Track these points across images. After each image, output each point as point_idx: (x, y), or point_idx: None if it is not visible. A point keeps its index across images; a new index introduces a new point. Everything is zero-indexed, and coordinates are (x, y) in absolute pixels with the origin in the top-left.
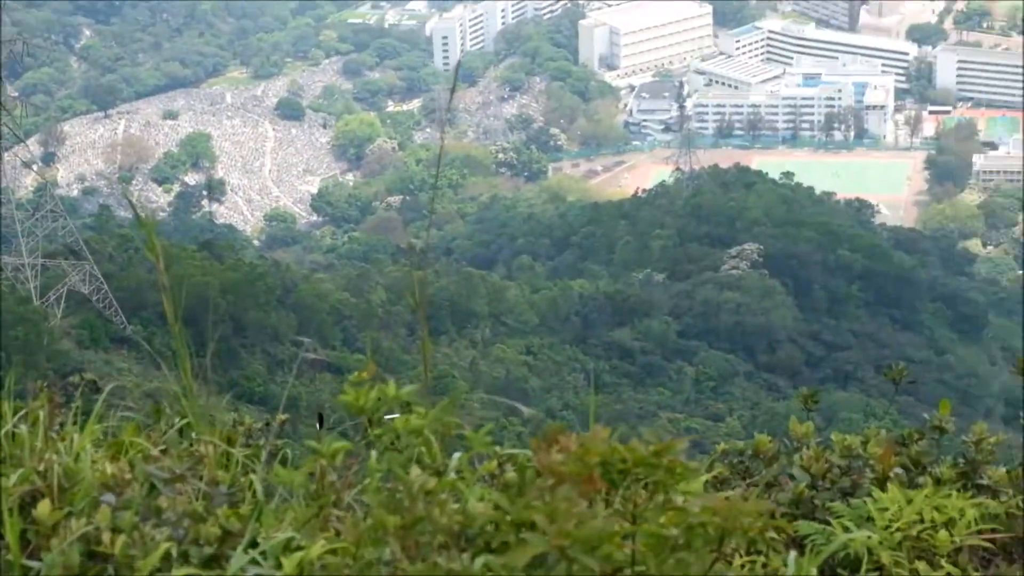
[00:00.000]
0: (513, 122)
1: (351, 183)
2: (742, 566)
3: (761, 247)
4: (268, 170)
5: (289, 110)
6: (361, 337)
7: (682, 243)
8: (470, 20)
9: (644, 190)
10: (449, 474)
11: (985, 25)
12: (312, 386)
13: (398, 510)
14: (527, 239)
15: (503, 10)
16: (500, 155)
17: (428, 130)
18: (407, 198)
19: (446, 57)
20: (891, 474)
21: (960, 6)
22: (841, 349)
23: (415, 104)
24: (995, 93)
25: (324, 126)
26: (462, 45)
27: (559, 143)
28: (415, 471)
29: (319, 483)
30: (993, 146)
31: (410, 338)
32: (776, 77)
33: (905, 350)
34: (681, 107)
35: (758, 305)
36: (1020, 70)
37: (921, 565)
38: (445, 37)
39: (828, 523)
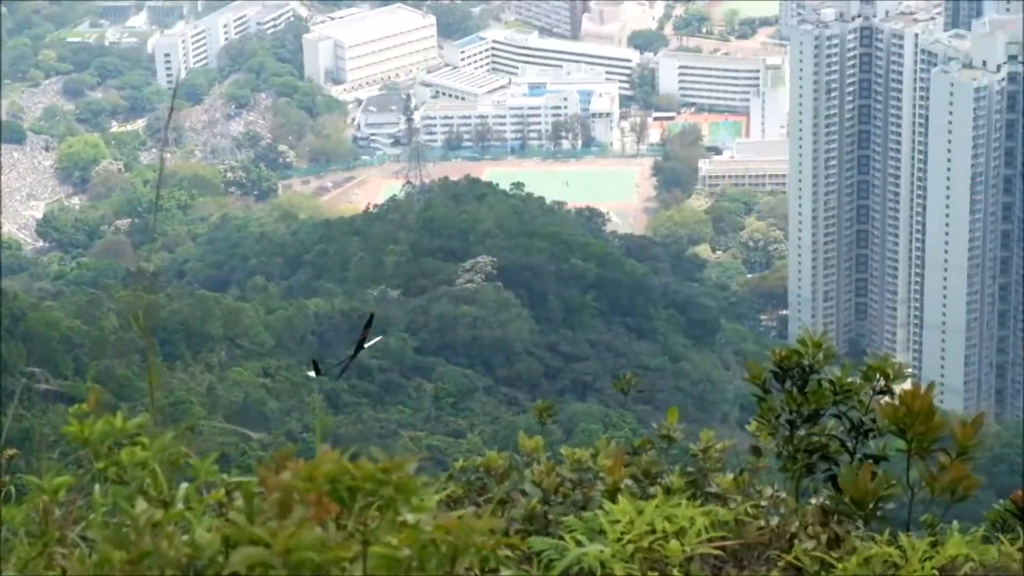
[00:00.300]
0: (241, 140)
1: (77, 207)
2: None
3: (495, 259)
4: None
5: (9, 133)
6: (93, 365)
7: (416, 258)
8: (192, 37)
9: (375, 205)
10: (176, 505)
11: (704, 30)
12: (44, 418)
13: (124, 544)
14: (260, 259)
15: (225, 26)
16: (229, 174)
17: (154, 150)
18: (135, 220)
19: (169, 75)
20: (622, 486)
21: (679, 12)
22: (578, 360)
23: (140, 124)
24: (717, 98)
25: (47, 149)
26: (185, 62)
27: (288, 160)
28: (141, 504)
29: (42, 520)
30: (717, 151)
31: (144, 364)
32: (502, 87)
33: (641, 358)
34: (409, 120)
35: (494, 318)
36: (740, 74)
37: None
38: (167, 54)
39: (562, 538)
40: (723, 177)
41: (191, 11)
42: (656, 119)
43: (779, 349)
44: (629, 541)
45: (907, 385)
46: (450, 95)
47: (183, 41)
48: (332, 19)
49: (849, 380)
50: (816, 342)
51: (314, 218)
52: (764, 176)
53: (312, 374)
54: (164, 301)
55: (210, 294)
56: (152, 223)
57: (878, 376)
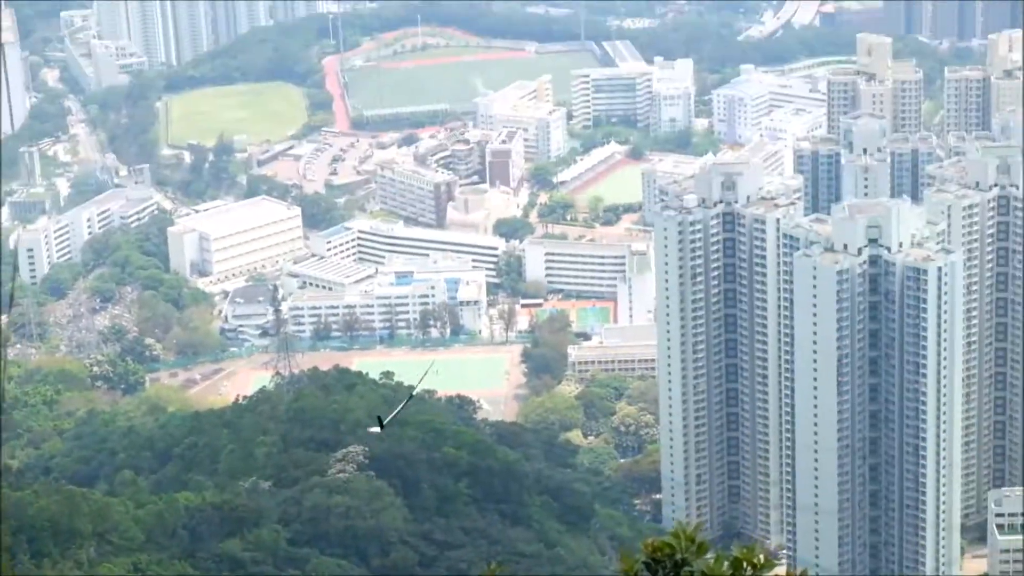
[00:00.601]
0: (106, 334)
1: None
2: None
3: (367, 449)
4: None
5: None
6: None
7: (287, 449)
8: (55, 231)
9: (245, 397)
10: None
11: (569, 217)
12: None
13: None
14: (128, 453)
15: (89, 220)
16: (95, 368)
17: (19, 346)
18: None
19: (32, 269)
20: None
21: (544, 199)
22: (453, 548)
23: (3, 319)
24: (584, 284)
25: None
26: (48, 257)
27: (155, 353)
28: None
29: None
30: (586, 337)
31: (12, 562)
32: (369, 276)
33: (516, 545)
34: (277, 311)
35: (367, 508)
36: (606, 260)
37: None
38: (31, 249)
39: None
40: (593, 363)
41: (53, 206)
42: (524, 306)
43: (652, 541)
44: None
45: (781, 570)
46: (317, 285)
47: (46, 236)
48: (197, 212)
49: (722, 571)
50: (689, 535)
51: (183, 411)
52: (633, 361)
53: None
54: (31, 498)
55: (78, 489)
56: None
57: (746, 567)
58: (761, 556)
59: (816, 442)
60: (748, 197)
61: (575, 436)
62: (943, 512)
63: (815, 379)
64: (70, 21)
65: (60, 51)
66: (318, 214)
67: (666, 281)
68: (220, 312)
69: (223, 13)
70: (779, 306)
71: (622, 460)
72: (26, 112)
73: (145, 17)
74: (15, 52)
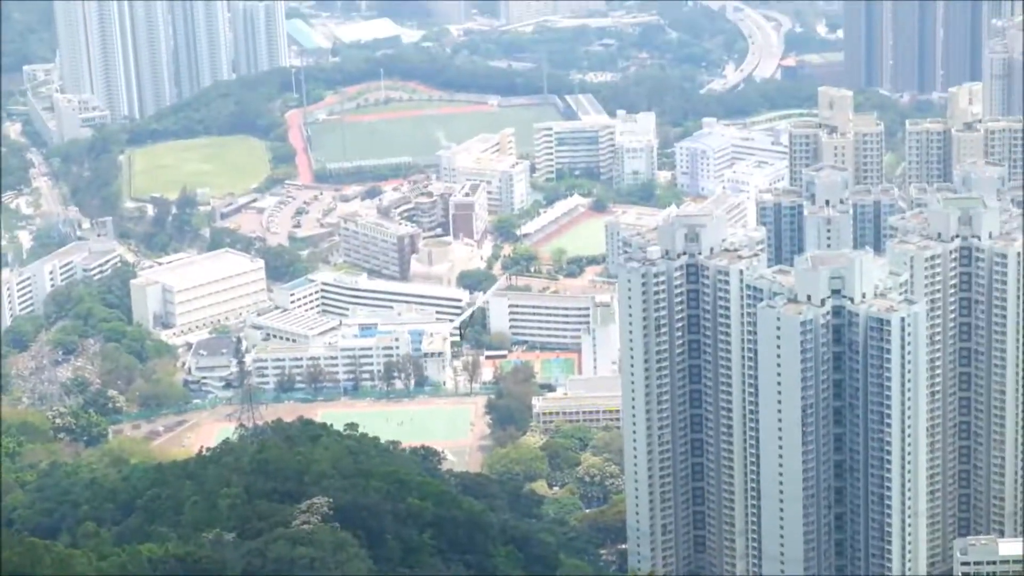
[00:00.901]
0: (69, 386)
1: None
2: None
3: (331, 500)
4: None
5: None
6: None
7: (251, 500)
8: (18, 284)
9: (208, 448)
10: None
11: (533, 269)
12: None
13: None
14: (91, 505)
15: (51, 272)
16: (58, 420)
17: None
18: None
19: None
20: None
21: (507, 251)
22: None
23: None
24: (548, 335)
25: None
26: (11, 309)
27: (118, 405)
28: None
29: None
30: (551, 388)
31: None
32: (333, 328)
33: None
34: (240, 363)
35: (332, 559)
36: (570, 312)
37: None
38: None
39: None
40: (557, 414)
41: (16, 259)
42: (488, 357)
43: None
44: None
45: None
46: (281, 337)
47: (8, 288)
48: (160, 264)
49: None
50: None
51: (146, 463)
52: (598, 412)
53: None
54: None
55: (40, 542)
56: None
57: None
58: None
59: (781, 492)
60: (711, 249)
61: (540, 487)
62: (909, 561)
63: (780, 429)
64: (33, 75)
65: (23, 105)
66: (281, 266)
67: (630, 332)
68: (183, 364)
69: (186, 66)
70: (743, 357)
71: (587, 510)
72: None
73: (108, 70)
74: None
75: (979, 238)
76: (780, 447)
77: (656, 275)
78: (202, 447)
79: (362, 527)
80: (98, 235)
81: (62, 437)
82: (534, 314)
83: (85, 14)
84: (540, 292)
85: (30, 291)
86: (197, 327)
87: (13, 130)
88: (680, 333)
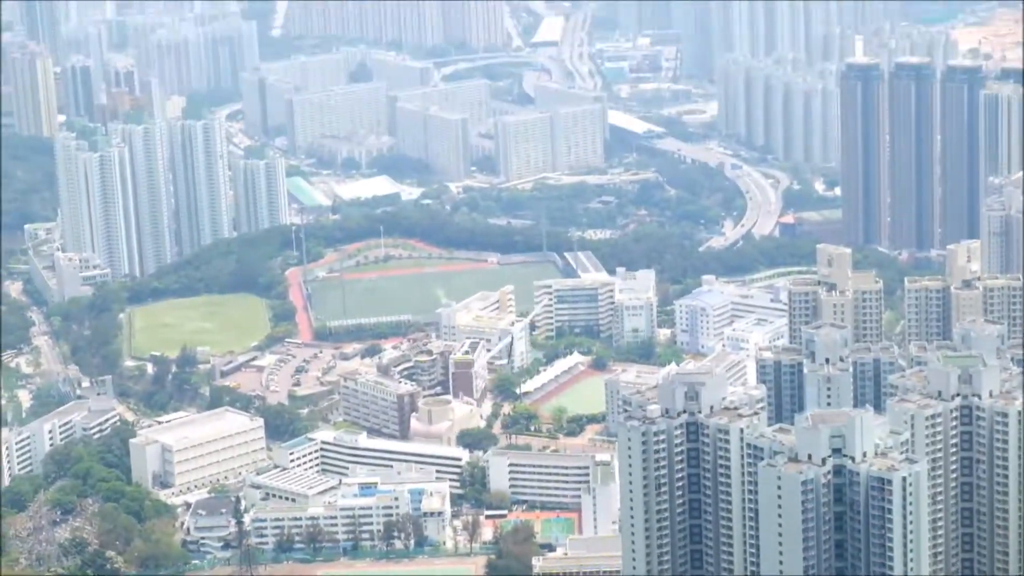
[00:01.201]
0: (67, 547)
1: None
2: None
3: None
4: None
5: None
6: None
7: None
8: (16, 443)
9: None
10: None
11: (533, 428)
12: None
13: None
14: None
15: (50, 431)
16: None
17: None
18: None
19: None
20: None
21: (507, 410)
22: None
23: None
24: (548, 495)
25: None
26: (9, 468)
27: (116, 566)
28: None
29: None
30: (551, 548)
31: None
32: (333, 488)
33: None
34: (239, 523)
35: None
36: (570, 471)
37: None
38: None
39: None
40: (558, 574)
41: (15, 418)
42: (488, 516)
43: None
44: None
45: None
46: (280, 496)
47: (7, 448)
48: (159, 423)
49: None
50: None
51: None
52: (599, 572)
53: None
54: None
55: None
56: None
57: None
58: None
59: None
60: (711, 407)
61: None
62: None
63: None
64: (34, 234)
65: (24, 263)
66: (281, 425)
67: (630, 492)
68: (182, 524)
69: (187, 224)
70: (744, 516)
71: None
72: None
73: (109, 229)
74: None
75: (979, 397)
76: None
77: (656, 434)
78: None
79: None
80: (98, 394)
81: None
82: (534, 473)
83: (87, 173)
84: (540, 451)
85: (29, 450)
86: (196, 486)
87: (14, 289)
88: (681, 492)
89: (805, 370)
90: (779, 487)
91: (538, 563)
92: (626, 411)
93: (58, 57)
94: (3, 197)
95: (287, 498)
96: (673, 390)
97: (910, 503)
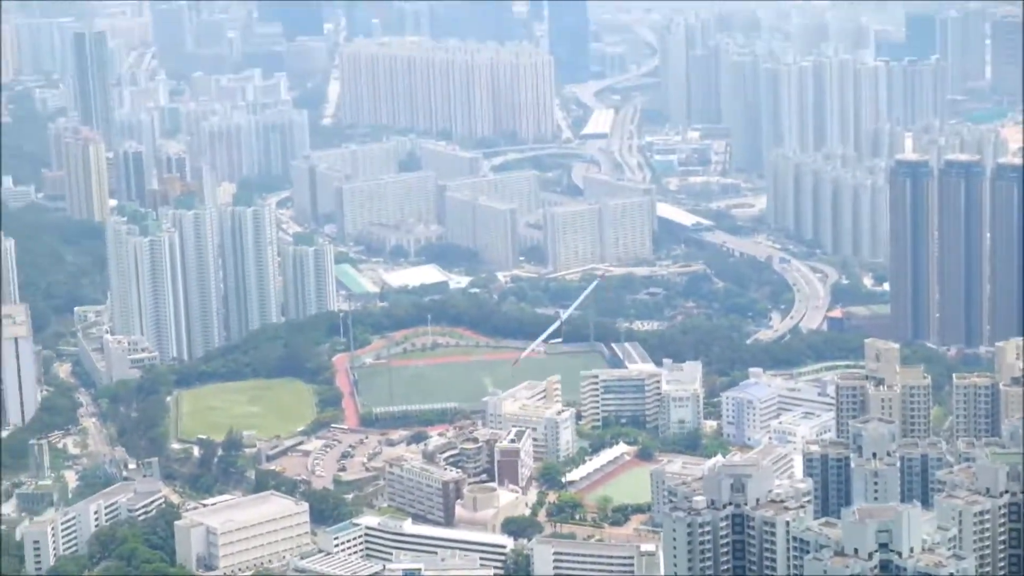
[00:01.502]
0: None
1: None
2: None
3: None
4: None
5: None
6: None
7: None
8: (62, 524)
9: None
10: None
11: (578, 516)
12: None
13: None
14: None
15: (96, 512)
16: None
17: None
18: None
19: (38, 562)
20: None
21: (552, 499)
22: None
23: None
24: None
25: None
26: (55, 549)
27: None
28: None
29: None
30: None
31: None
32: (376, 573)
33: None
34: None
35: None
36: (614, 560)
37: None
38: (37, 541)
39: None
40: None
41: (61, 498)
42: None
43: None
44: None
45: None
46: None
47: (52, 528)
48: (204, 506)
49: None
50: None
51: None
52: None
53: None
54: None
55: None
56: None
57: None
58: None
59: None
60: (758, 500)
61: None
62: None
63: None
64: (83, 316)
65: (73, 345)
66: (326, 510)
67: None
68: None
69: (235, 309)
70: None
71: None
72: (37, 405)
73: (158, 313)
74: (28, 346)
75: None
76: None
77: (702, 525)
78: None
79: None
80: (144, 476)
81: None
82: (578, 562)
83: (137, 257)
84: (585, 540)
85: (75, 531)
86: (240, 570)
87: (63, 370)
88: None
89: (852, 464)
90: None
91: None
92: (671, 502)
93: (111, 142)
94: (54, 280)
95: None
96: (719, 482)
97: None
